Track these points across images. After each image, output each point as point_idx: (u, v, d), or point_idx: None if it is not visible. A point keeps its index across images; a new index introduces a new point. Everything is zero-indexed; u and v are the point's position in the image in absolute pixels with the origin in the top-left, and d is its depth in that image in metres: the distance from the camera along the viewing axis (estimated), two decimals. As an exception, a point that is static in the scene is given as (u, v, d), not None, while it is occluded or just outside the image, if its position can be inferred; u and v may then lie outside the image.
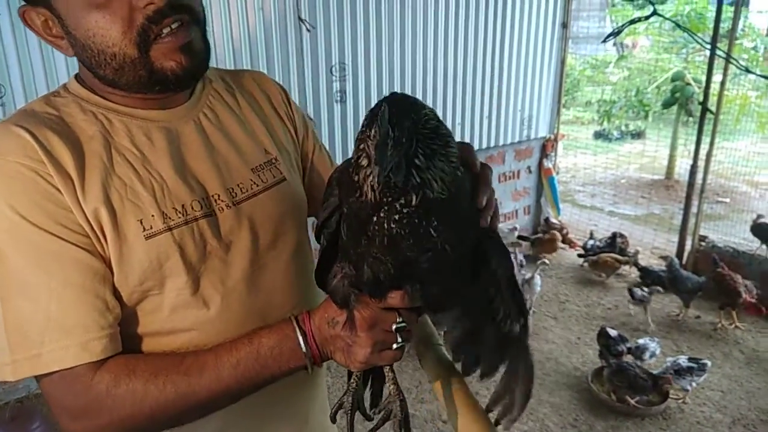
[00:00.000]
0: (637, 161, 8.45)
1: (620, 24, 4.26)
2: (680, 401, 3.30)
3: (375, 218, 0.71)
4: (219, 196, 0.94)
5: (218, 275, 0.93)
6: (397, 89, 4.20)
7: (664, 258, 4.31)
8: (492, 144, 4.91)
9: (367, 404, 0.95)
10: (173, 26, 0.85)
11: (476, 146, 4.78)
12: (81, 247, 0.82)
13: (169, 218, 0.88)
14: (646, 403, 3.24)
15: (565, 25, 5.13)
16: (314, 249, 1.05)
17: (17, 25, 2.76)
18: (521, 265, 4.42)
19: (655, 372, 3.24)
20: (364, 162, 0.69)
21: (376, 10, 3.95)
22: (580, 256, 5.00)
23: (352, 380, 0.91)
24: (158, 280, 0.88)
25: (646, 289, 4.12)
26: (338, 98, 3.90)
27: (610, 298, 4.54)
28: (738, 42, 6.68)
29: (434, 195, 0.69)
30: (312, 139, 1.20)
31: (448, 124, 3.98)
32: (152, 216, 0.87)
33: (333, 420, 0.94)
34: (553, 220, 5.47)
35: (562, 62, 5.24)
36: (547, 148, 5.38)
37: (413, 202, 0.69)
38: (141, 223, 0.86)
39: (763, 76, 5.44)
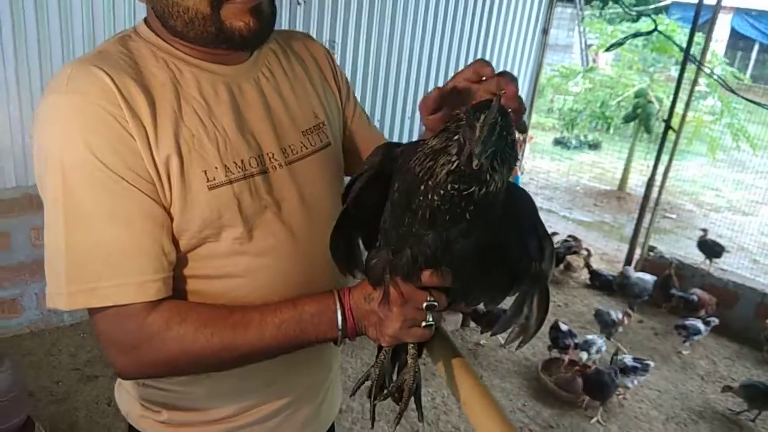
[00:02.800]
0: (592, 170, 8.78)
1: (623, 37, 4.42)
2: (620, 397, 3.51)
3: (423, 187, 0.75)
4: (273, 155, 0.98)
5: (270, 229, 0.97)
6: (383, 72, 4.27)
7: (626, 269, 4.54)
8: (465, 137, 5.03)
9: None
10: None
11: (450, 138, 4.89)
12: (145, 193, 0.86)
13: (230, 171, 0.92)
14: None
15: (545, 32, 5.29)
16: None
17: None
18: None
19: (602, 368, 3.45)
20: (453, 149, 0.73)
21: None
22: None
23: (381, 354, 0.94)
24: (216, 229, 0.92)
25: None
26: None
27: (561, 296, 4.76)
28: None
29: (488, 190, 0.73)
30: (353, 101, 1.24)
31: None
32: (215, 168, 0.90)
33: (353, 393, 0.96)
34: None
35: (539, 67, 5.40)
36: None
37: (466, 192, 0.73)
38: (205, 174, 0.90)
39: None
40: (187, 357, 0.89)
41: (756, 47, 18.18)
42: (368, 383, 0.95)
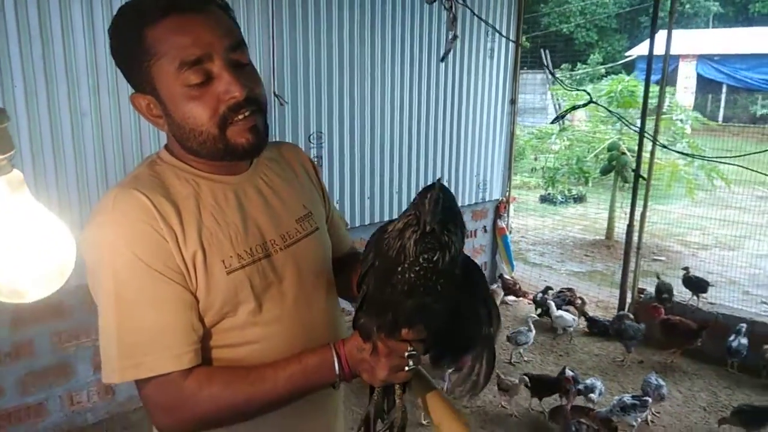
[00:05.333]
0: (580, 223, 9.09)
1: (564, 110, 4.83)
2: (627, 435, 3.66)
3: (400, 269, 0.98)
4: (275, 240, 1.23)
5: (276, 301, 1.20)
6: (368, 154, 4.64)
7: (626, 316, 4.75)
8: (451, 205, 5.36)
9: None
10: (246, 114, 1.11)
11: (438, 207, 5.22)
12: (178, 282, 1.09)
13: (242, 258, 1.15)
14: (597, 437, 3.58)
15: (513, 102, 5.73)
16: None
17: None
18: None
19: (602, 410, 3.62)
20: (413, 222, 0.97)
21: (349, 87, 4.43)
22: (540, 315, 5.31)
23: (374, 395, 1.20)
24: (233, 305, 1.14)
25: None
26: (316, 163, 4.30)
27: (562, 346, 4.94)
28: (667, 116, 7.48)
29: (451, 255, 0.96)
30: (330, 203, 1.52)
31: (413, 188, 4.57)
32: (231, 257, 1.14)
33: (359, 429, 1.20)
34: (507, 277, 5.88)
35: (512, 134, 5.81)
36: (500, 209, 5.87)
37: (434, 259, 0.95)
38: (223, 262, 1.13)
39: (678, 152, 6.11)
40: (219, 411, 1.12)
41: (724, 89, 18.97)
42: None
